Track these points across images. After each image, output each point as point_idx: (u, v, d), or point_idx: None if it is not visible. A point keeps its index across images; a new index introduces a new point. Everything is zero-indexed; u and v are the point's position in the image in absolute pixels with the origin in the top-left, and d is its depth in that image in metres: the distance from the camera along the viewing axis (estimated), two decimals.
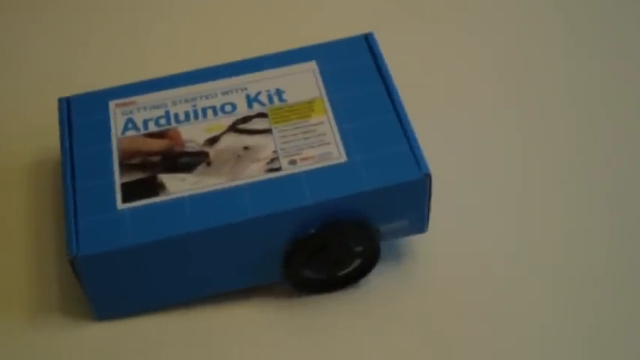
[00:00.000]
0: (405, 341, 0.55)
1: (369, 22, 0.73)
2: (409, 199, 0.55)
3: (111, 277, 0.54)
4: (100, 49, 0.73)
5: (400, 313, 0.56)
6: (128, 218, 0.53)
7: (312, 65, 0.60)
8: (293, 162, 0.55)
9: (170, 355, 0.55)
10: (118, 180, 0.55)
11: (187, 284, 0.56)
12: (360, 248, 0.55)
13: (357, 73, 0.59)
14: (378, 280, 0.58)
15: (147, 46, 0.73)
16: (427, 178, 0.54)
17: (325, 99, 0.58)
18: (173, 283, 0.55)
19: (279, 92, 0.59)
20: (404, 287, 0.58)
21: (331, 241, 0.54)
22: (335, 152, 0.55)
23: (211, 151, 0.56)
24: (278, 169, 0.55)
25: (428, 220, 0.57)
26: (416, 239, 0.60)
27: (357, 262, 0.56)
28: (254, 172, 0.55)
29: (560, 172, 0.64)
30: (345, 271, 0.57)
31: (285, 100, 0.58)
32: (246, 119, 0.57)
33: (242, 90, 0.59)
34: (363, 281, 0.58)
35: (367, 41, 0.61)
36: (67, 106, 0.60)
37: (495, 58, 0.71)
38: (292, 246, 0.54)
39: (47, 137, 0.66)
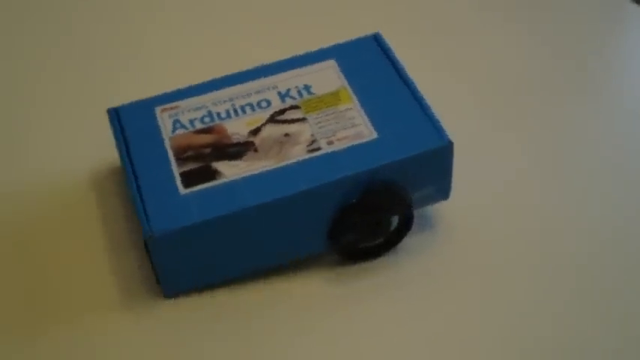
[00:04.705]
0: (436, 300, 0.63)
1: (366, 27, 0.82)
2: (435, 166, 0.62)
3: (179, 254, 0.60)
4: (137, 64, 0.82)
5: (431, 275, 0.64)
6: (191, 200, 0.60)
7: (332, 63, 0.68)
8: (330, 142, 0.62)
9: (228, 328, 0.61)
10: (176, 171, 0.62)
11: (246, 258, 0.62)
12: (395, 214, 0.63)
13: (371, 65, 0.67)
14: (409, 247, 0.65)
15: (175, 59, 0.82)
16: (450, 145, 0.61)
17: (349, 89, 0.66)
18: (233, 257, 0.62)
19: (307, 87, 0.66)
20: (431, 252, 0.65)
21: (371, 208, 0.61)
22: (366, 131, 0.63)
23: (256, 140, 0.63)
24: (318, 149, 0.62)
25: (450, 187, 0.64)
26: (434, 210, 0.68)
27: (393, 228, 0.64)
28: (298, 153, 0.62)
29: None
30: (383, 238, 0.64)
31: (314, 93, 0.66)
32: (281, 111, 0.65)
33: (273, 88, 0.67)
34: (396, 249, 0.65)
35: (376, 40, 0.69)
36: (117, 116, 0.67)
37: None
38: (337, 215, 0.61)
39: (97, 146, 0.73)
